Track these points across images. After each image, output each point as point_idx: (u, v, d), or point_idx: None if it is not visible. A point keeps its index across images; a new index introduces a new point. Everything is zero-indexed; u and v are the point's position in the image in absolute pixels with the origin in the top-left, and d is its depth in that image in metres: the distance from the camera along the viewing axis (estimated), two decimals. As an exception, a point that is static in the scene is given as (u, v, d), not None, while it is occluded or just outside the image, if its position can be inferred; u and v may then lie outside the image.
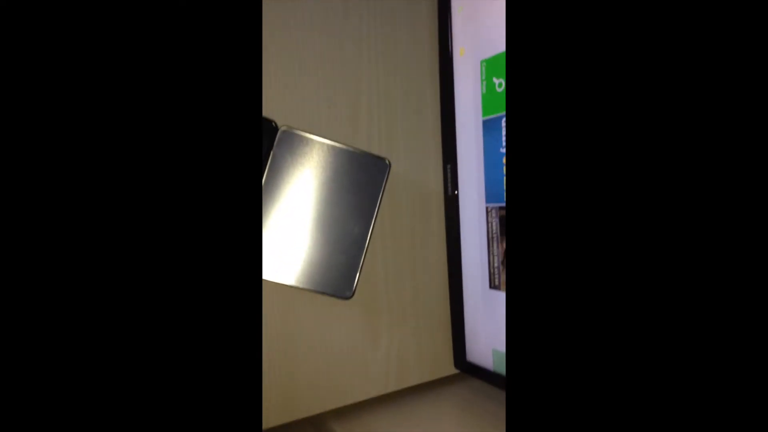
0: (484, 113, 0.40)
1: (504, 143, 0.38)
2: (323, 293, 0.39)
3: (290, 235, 0.38)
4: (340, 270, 0.39)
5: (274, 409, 0.39)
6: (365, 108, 0.41)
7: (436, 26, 0.44)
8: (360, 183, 0.39)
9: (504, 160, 0.38)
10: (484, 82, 0.39)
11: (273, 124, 0.37)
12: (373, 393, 0.43)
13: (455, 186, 0.43)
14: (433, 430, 0.40)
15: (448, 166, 0.44)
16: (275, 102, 0.38)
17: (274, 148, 0.37)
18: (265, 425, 0.38)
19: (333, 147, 0.39)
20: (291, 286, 0.38)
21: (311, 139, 0.38)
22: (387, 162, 0.40)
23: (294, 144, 0.38)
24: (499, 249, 0.40)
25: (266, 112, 0.37)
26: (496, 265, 0.40)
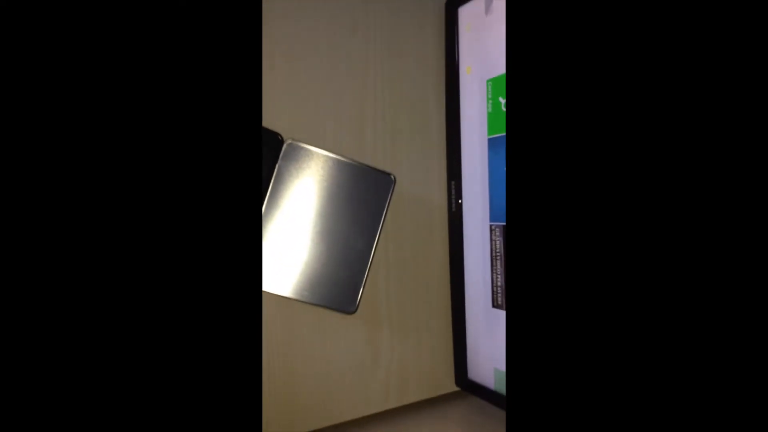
0: (490, 132, 0.40)
1: (509, 162, 0.38)
2: (327, 307, 0.39)
3: (294, 248, 0.38)
4: (343, 284, 0.39)
5: (273, 424, 0.38)
6: (370, 123, 0.41)
7: (443, 44, 0.44)
8: (364, 197, 0.39)
9: (509, 179, 0.38)
10: (490, 101, 0.39)
11: (279, 137, 0.37)
12: (373, 409, 0.42)
13: (459, 202, 0.43)
14: (432, 448, 0.39)
15: (453, 183, 0.44)
16: (281, 116, 0.38)
17: (280, 161, 0.38)
18: (263, 440, 0.38)
19: (338, 161, 0.39)
20: (294, 300, 0.38)
21: (316, 153, 0.38)
22: (392, 177, 0.40)
23: (299, 157, 0.38)
24: (503, 268, 0.39)
25: (272, 125, 0.38)
26: (499, 284, 0.40)
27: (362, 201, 0.39)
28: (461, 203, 0.43)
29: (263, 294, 0.38)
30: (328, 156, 0.39)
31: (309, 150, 0.38)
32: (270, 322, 0.38)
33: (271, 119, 0.38)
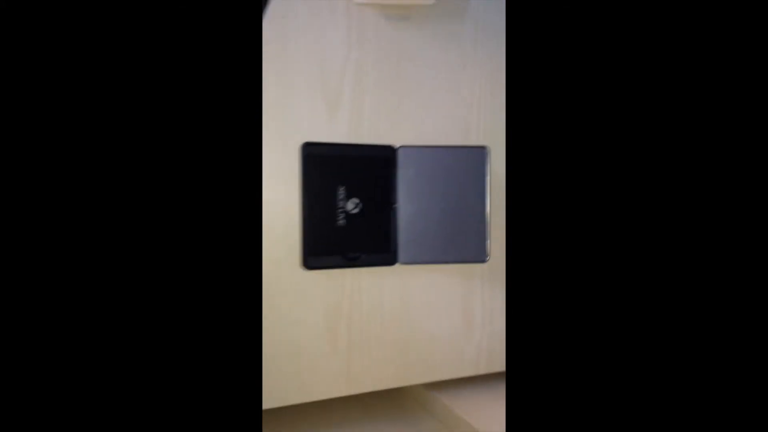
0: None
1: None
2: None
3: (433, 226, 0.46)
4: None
5: (392, 373, 0.47)
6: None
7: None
8: (468, 175, 0.47)
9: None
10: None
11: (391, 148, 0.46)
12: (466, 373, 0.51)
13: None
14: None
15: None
16: (391, 129, 0.47)
17: (399, 166, 0.46)
18: (383, 386, 0.47)
19: (447, 148, 0.47)
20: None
21: (428, 148, 0.46)
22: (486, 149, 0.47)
23: (415, 157, 0.46)
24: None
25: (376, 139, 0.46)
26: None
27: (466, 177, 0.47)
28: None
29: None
30: (436, 147, 0.46)
31: (422, 148, 0.46)
32: (386, 293, 0.47)
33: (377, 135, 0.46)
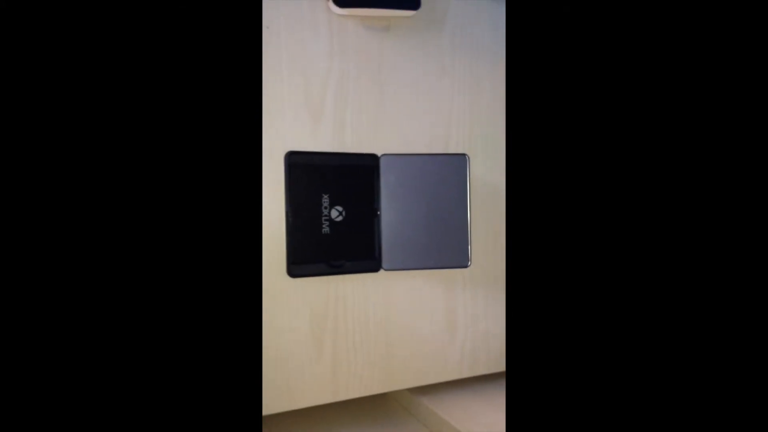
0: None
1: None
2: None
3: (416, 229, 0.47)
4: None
5: (378, 379, 0.48)
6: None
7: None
8: (446, 178, 0.48)
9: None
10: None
11: (374, 156, 0.47)
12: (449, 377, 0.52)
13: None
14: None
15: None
16: (374, 137, 0.48)
17: (382, 174, 0.47)
18: (368, 392, 0.48)
19: (429, 156, 0.48)
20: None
21: (410, 156, 0.48)
22: (466, 156, 0.48)
23: (396, 164, 0.47)
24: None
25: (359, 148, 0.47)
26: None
27: (444, 180, 0.48)
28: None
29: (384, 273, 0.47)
30: (418, 155, 0.48)
31: (404, 156, 0.47)
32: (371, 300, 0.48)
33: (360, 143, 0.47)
